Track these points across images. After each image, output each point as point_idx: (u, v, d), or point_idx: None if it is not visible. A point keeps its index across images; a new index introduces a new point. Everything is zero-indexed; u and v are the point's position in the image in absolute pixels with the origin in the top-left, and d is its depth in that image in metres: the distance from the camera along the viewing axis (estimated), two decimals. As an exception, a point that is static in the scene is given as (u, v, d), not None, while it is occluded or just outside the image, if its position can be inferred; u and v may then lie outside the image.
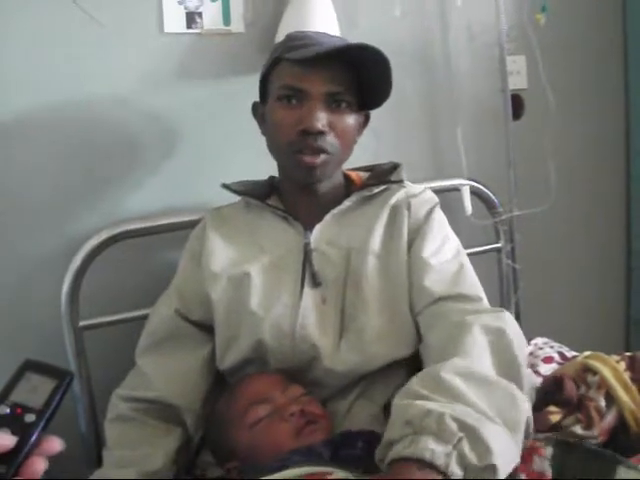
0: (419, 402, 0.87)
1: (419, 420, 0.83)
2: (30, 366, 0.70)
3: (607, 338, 2.28)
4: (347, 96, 1.21)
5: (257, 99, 1.33)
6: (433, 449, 0.79)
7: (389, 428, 0.88)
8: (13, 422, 0.64)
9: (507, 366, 0.99)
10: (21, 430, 0.64)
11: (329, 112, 1.19)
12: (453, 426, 0.81)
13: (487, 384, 0.92)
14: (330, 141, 1.20)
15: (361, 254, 1.23)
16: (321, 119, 1.17)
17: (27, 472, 0.63)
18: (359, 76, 1.21)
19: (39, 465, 0.63)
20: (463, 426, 0.81)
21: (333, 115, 1.20)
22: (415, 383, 0.94)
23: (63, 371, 0.69)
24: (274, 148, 1.28)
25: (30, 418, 0.64)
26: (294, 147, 1.20)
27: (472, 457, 0.79)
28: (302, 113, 1.18)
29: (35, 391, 0.67)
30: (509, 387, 0.92)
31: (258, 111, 1.33)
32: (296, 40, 1.22)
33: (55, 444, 0.66)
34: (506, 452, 0.83)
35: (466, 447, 0.79)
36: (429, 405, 0.85)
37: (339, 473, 0.91)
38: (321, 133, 1.18)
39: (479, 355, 0.99)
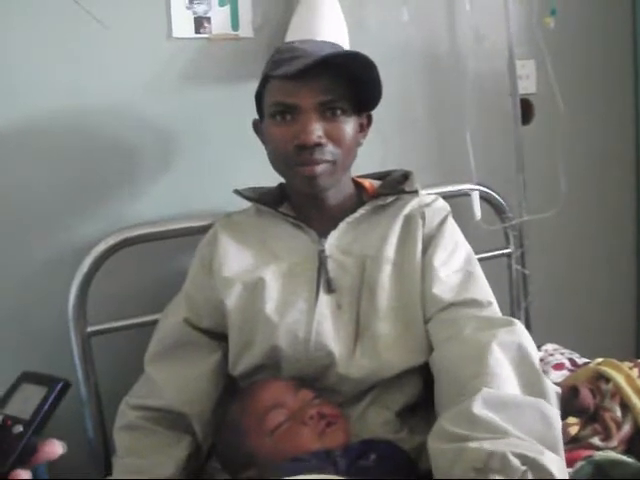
0: (472, 445, 0.84)
1: (483, 463, 0.81)
2: (26, 377, 0.70)
3: (618, 344, 2.26)
4: (340, 103, 1.20)
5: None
6: None
7: (443, 474, 0.87)
8: (2, 434, 0.65)
9: (532, 381, 0.98)
10: (8, 441, 0.64)
11: (324, 122, 1.19)
12: (516, 462, 0.79)
13: (518, 409, 0.90)
14: (329, 150, 1.19)
15: (376, 262, 1.23)
16: (316, 131, 1.17)
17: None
18: (349, 80, 1.20)
19: (23, 476, 0.63)
20: (525, 459, 0.80)
21: (329, 124, 1.19)
22: (448, 423, 0.92)
23: (56, 379, 0.69)
24: (275, 164, 1.28)
25: (17, 429, 0.65)
26: (293, 162, 1.20)
27: None
28: (297, 128, 1.18)
29: (27, 401, 0.67)
30: (539, 405, 0.91)
31: (258, 128, 1.33)
32: (282, 54, 1.22)
33: (55, 447, 0.66)
34: (562, 473, 0.81)
35: (531, 478, 0.78)
36: (485, 446, 0.83)
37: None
38: (318, 145, 1.17)
39: (505, 376, 0.98)
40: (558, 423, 0.89)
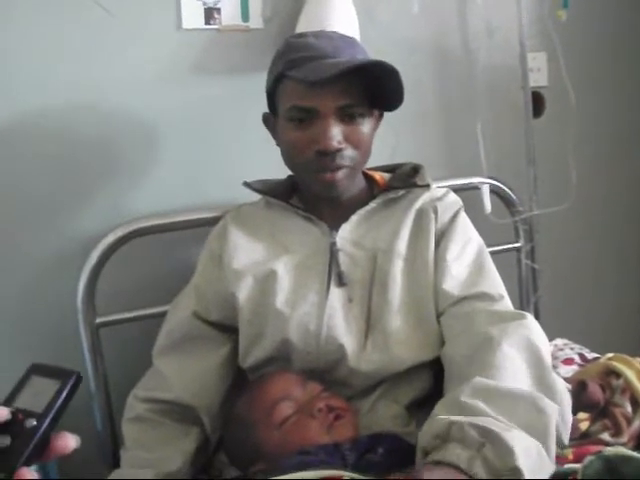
0: (442, 416, 0.89)
1: (445, 432, 0.85)
2: (36, 370, 0.69)
3: (628, 339, 2.25)
4: (359, 107, 1.19)
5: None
6: (458, 453, 0.81)
7: (419, 442, 0.90)
8: (14, 428, 0.63)
9: (540, 376, 0.99)
10: (21, 436, 0.63)
11: (343, 125, 1.17)
12: (474, 432, 0.83)
13: (508, 399, 0.92)
14: (348, 155, 1.18)
15: (387, 256, 1.22)
16: (336, 136, 1.16)
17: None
18: (368, 82, 1.18)
19: (28, 476, 0.62)
20: (484, 432, 0.82)
21: (348, 127, 1.18)
22: (438, 409, 0.95)
23: (68, 371, 0.68)
24: (290, 165, 1.27)
25: (30, 423, 0.63)
26: (312, 167, 1.19)
27: (496, 461, 0.80)
28: (316, 132, 1.16)
29: (39, 395, 0.66)
30: (534, 398, 0.92)
31: (269, 122, 1.32)
32: (297, 51, 1.19)
33: (68, 441, 0.64)
34: (532, 456, 0.83)
35: (489, 451, 0.80)
36: (451, 418, 0.87)
37: (352, 476, 0.91)
38: (338, 150, 1.16)
39: (513, 370, 0.99)
40: (552, 415, 0.90)
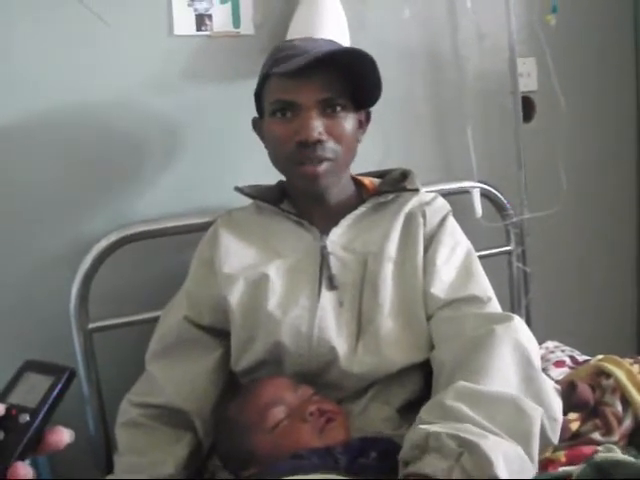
0: (422, 426, 0.89)
1: (423, 442, 0.86)
2: (30, 366, 0.69)
3: (619, 341, 2.27)
4: (340, 99, 1.21)
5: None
6: (434, 464, 0.82)
7: (402, 451, 0.91)
8: (8, 424, 0.64)
9: (528, 376, 1.00)
10: (15, 431, 0.63)
11: (325, 118, 1.20)
12: (451, 443, 0.83)
13: (491, 402, 0.92)
14: (330, 147, 1.20)
15: (378, 260, 1.23)
16: (317, 128, 1.17)
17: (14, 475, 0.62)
18: (350, 79, 1.20)
19: (23, 470, 0.62)
20: (462, 442, 0.83)
21: (329, 121, 1.20)
22: (423, 413, 0.96)
23: (61, 367, 0.68)
24: (276, 162, 1.29)
25: (24, 418, 0.64)
26: (294, 160, 1.21)
27: (474, 471, 0.80)
28: (297, 125, 1.18)
29: (32, 390, 0.66)
30: (517, 400, 0.93)
31: (257, 126, 1.34)
32: (282, 51, 1.22)
33: (63, 436, 0.65)
34: (512, 461, 0.83)
35: (467, 462, 0.81)
36: (430, 428, 0.87)
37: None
38: (319, 142, 1.18)
39: (501, 373, 0.99)
40: (535, 416, 0.91)
